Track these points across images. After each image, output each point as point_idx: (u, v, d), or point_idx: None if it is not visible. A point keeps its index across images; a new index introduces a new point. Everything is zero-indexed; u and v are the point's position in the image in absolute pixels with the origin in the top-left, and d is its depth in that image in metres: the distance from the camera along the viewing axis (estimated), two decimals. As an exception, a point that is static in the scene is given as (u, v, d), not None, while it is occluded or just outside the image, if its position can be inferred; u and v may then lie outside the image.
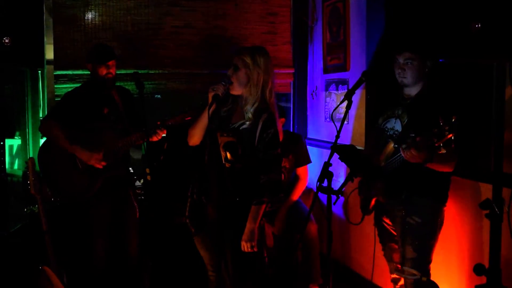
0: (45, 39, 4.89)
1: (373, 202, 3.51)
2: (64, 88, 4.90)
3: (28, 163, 3.73)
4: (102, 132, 4.03)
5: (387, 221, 3.52)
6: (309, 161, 4.96)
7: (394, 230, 3.49)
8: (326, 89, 5.20)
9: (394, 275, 3.59)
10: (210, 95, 3.28)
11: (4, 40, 3.90)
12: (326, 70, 5.19)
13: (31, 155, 5.10)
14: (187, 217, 3.54)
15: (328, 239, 3.14)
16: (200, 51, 5.27)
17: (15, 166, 5.34)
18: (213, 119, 3.37)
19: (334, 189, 3.08)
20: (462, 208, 3.54)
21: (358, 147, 4.31)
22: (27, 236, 4.41)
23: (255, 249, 3.25)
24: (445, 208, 3.37)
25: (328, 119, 5.20)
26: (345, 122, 3.27)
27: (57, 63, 4.89)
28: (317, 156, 5.27)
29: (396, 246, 3.48)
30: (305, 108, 5.67)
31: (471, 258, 3.51)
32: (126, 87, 4.49)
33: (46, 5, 4.83)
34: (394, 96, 3.54)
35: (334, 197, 3.07)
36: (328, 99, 5.18)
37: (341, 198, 4.70)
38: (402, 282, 3.52)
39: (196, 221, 3.52)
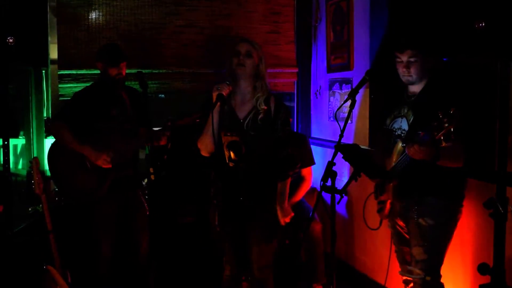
0: (49, 39, 4.90)
1: (388, 205, 3.49)
2: (68, 87, 4.91)
3: (32, 163, 3.73)
4: (110, 133, 4.02)
5: (400, 223, 3.50)
6: (312, 163, 4.96)
7: (407, 233, 3.46)
8: (330, 89, 5.19)
9: (406, 277, 3.56)
10: (215, 94, 3.28)
11: (8, 39, 3.90)
12: (329, 69, 5.19)
13: (35, 155, 5.11)
14: (217, 224, 3.47)
15: (331, 238, 3.14)
16: (204, 50, 5.28)
17: (19, 166, 5.35)
18: (220, 119, 3.38)
19: (338, 188, 3.08)
20: (466, 207, 3.53)
21: (362, 146, 4.30)
22: (31, 235, 4.42)
23: (289, 220, 3.59)
24: (461, 208, 3.34)
25: (331, 118, 5.20)
26: (349, 122, 3.27)
27: (61, 62, 4.90)
28: (320, 155, 5.27)
29: (408, 249, 3.46)
30: (309, 108, 5.67)
31: (475, 257, 3.51)
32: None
33: (50, 5, 4.85)
34: (399, 95, 3.53)
35: (337, 196, 3.07)
36: (331, 98, 5.18)
37: (345, 197, 4.70)
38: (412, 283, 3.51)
39: (222, 224, 3.48)
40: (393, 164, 3.34)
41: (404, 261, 3.58)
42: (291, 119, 3.61)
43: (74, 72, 4.92)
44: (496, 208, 2.73)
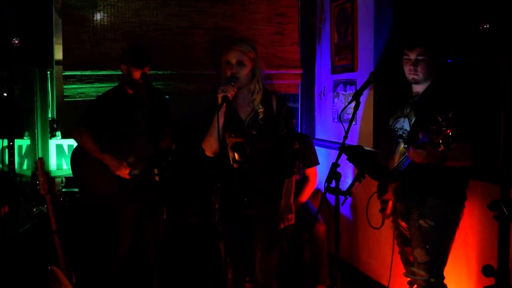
0: (54, 40, 4.92)
1: (390, 205, 3.49)
2: (73, 88, 4.92)
3: (37, 164, 3.74)
4: (134, 138, 4.00)
5: (403, 224, 3.50)
6: (317, 163, 4.96)
7: (409, 234, 3.46)
8: (334, 90, 5.20)
9: (410, 278, 3.56)
10: (220, 96, 3.26)
11: (14, 41, 3.92)
12: (334, 71, 5.19)
13: (40, 155, 5.12)
14: (217, 223, 3.48)
15: (336, 239, 3.14)
16: (208, 52, 5.28)
17: (24, 166, 5.36)
18: (225, 120, 3.37)
19: (342, 189, 3.08)
20: (471, 209, 3.53)
21: (366, 148, 4.30)
22: (36, 236, 4.44)
23: (292, 221, 3.50)
24: (463, 209, 3.33)
25: (336, 120, 5.20)
26: (353, 123, 3.27)
27: (66, 63, 4.91)
28: (325, 156, 5.27)
29: (411, 250, 3.46)
30: (313, 109, 5.67)
31: (479, 259, 3.50)
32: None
33: (55, 6, 4.87)
34: (403, 96, 3.53)
35: (342, 198, 3.07)
36: (336, 99, 5.18)
37: (350, 199, 4.70)
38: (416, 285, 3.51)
39: (225, 225, 3.46)
40: (395, 164, 3.34)
41: (408, 262, 3.58)
42: (294, 120, 3.58)
43: (79, 73, 4.93)
44: (501, 210, 2.73)
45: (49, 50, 4.66)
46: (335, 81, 5.17)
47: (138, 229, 4.16)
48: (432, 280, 3.27)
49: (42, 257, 4.03)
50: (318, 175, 4.97)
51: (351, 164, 3.60)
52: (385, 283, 4.25)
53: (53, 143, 5.31)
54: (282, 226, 3.48)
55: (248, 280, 3.90)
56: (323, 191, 3.14)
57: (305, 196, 4.83)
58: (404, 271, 3.63)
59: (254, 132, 3.37)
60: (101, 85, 4.97)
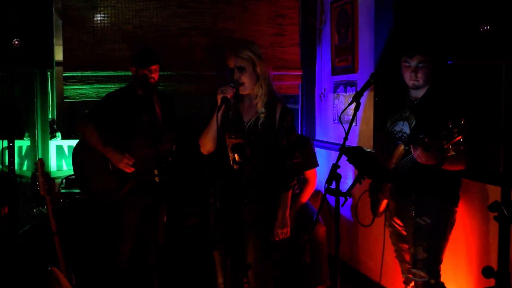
0: (54, 41, 4.90)
1: (383, 204, 3.51)
2: (73, 89, 4.92)
3: (37, 164, 3.74)
4: (136, 137, 4.03)
5: (398, 222, 3.53)
6: (316, 165, 4.95)
7: (405, 231, 3.49)
8: (334, 91, 5.20)
9: (405, 276, 3.59)
10: (219, 97, 3.25)
11: (14, 41, 3.92)
12: (334, 72, 5.19)
13: (40, 156, 5.12)
14: (212, 227, 3.45)
15: (336, 241, 3.14)
16: (208, 53, 5.29)
17: (24, 167, 5.36)
18: (225, 122, 3.37)
19: (342, 191, 3.08)
20: (471, 210, 3.53)
21: (366, 149, 4.30)
22: (36, 237, 4.44)
23: (288, 235, 3.45)
24: (456, 209, 3.36)
25: (336, 121, 5.20)
26: (353, 124, 3.27)
27: (66, 64, 4.92)
28: (325, 158, 5.27)
29: (407, 247, 3.48)
30: (313, 110, 5.67)
31: (479, 260, 3.50)
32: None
33: (55, 7, 4.86)
34: (401, 99, 3.54)
35: (342, 199, 3.07)
36: (336, 101, 5.18)
37: (350, 200, 4.70)
38: (413, 283, 3.52)
39: (220, 231, 3.43)
40: (393, 166, 3.35)
41: (403, 260, 3.60)
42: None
43: (79, 74, 4.94)
44: (501, 211, 2.73)
45: (49, 51, 4.64)
46: (336, 82, 5.17)
47: (139, 231, 4.17)
48: (432, 281, 3.28)
49: (42, 258, 4.03)
50: (319, 176, 4.97)
51: (351, 165, 3.60)
52: (386, 284, 4.25)
53: (53, 144, 5.31)
54: (277, 239, 3.45)
55: (246, 281, 3.89)
56: (324, 193, 3.14)
57: (305, 198, 4.83)
58: (401, 270, 3.64)
59: (252, 137, 3.36)
60: (102, 86, 4.98)
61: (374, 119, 4.53)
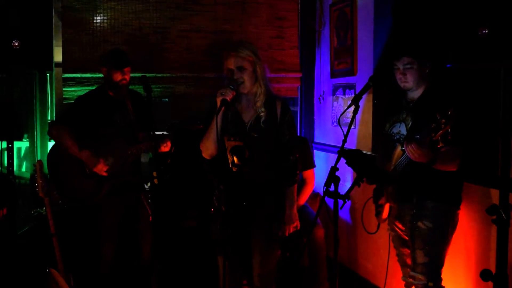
0: (54, 42, 4.91)
1: (386, 209, 3.51)
2: (72, 91, 4.92)
3: (36, 166, 3.75)
4: (112, 139, 4.04)
5: (399, 225, 3.52)
6: (313, 166, 4.96)
7: (406, 235, 3.49)
8: (333, 94, 5.20)
9: (407, 280, 3.58)
10: (218, 99, 3.26)
11: (14, 43, 3.92)
12: (333, 75, 5.20)
13: (39, 158, 5.12)
14: (218, 231, 3.41)
15: (334, 243, 3.14)
16: (207, 55, 5.29)
17: (23, 169, 5.36)
18: (224, 123, 3.37)
19: (341, 193, 3.08)
20: (469, 213, 3.53)
21: (365, 152, 4.31)
22: (35, 238, 4.43)
23: (298, 227, 3.52)
24: (458, 211, 3.36)
25: (335, 124, 5.20)
26: (352, 127, 3.28)
27: (66, 66, 4.92)
28: (324, 160, 5.27)
29: (409, 251, 3.48)
30: (312, 113, 5.68)
31: (477, 263, 3.50)
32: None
33: (55, 8, 4.86)
34: (399, 101, 3.55)
35: (341, 201, 3.07)
36: (335, 103, 5.18)
37: (348, 202, 4.70)
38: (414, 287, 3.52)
39: (226, 235, 3.39)
40: (392, 168, 3.36)
41: (405, 264, 3.60)
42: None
43: (78, 75, 4.94)
44: (499, 214, 2.73)
45: (48, 52, 4.65)
46: (335, 85, 5.18)
47: (126, 231, 4.17)
48: (431, 284, 3.28)
49: (41, 260, 4.03)
50: (317, 178, 4.97)
51: (350, 168, 3.61)
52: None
53: (52, 145, 5.30)
54: (286, 234, 3.50)
55: (246, 284, 3.89)
56: (322, 195, 3.15)
57: (303, 199, 4.83)
58: (402, 275, 3.64)
59: (255, 135, 3.37)
60: (101, 87, 4.97)
61: (373, 121, 4.54)
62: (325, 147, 5.38)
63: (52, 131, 4.11)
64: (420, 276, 3.32)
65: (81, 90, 4.81)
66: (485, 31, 2.72)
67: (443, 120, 2.75)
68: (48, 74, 5.25)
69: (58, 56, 4.95)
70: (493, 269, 2.81)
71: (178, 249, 5.01)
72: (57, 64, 4.99)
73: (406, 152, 3.09)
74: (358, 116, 4.68)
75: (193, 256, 4.99)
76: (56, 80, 5.11)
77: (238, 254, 3.49)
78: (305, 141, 5.12)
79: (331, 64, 5.22)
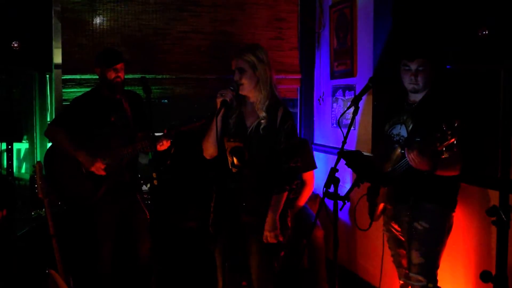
0: (53, 43, 4.91)
1: (380, 208, 3.51)
2: (72, 92, 4.92)
3: (36, 167, 3.74)
4: (109, 139, 4.04)
5: (395, 226, 3.53)
6: (314, 167, 4.96)
7: (402, 236, 3.49)
8: (333, 95, 5.20)
9: (403, 282, 3.59)
10: (218, 100, 3.26)
11: (13, 44, 3.92)
12: (333, 76, 5.20)
13: (38, 159, 5.12)
14: (211, 226, 3.47)
15: (334, 245, 3.14)
16: (207, 56, 5.29)
17: (23, 170, 5.36)
18: (227, 125, 3.37)
19: (341, 195, 3.08)
20: (469, 215, 3.54)
21: (365, 153, 4.31)
22: (34, 239, 4.42)
23: (280, 239, 3.34)
24: (453, 214, 3.37)
25: (334, 125, 5.20)
26: (352, 128, 3.27)
27: (65, 67, 4.92)
28: (323, 161, 5.27)
29: (405, 252, 3.49)
30: (312, 114, 5.68)
31: (477, 265, 3.50)
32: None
33: (54, 10, 4.86)
34: (400, 102, 3.55)
35: (340, 203, 3.07)
36: (335, 104, 5.18)
37: (348, 204, 4.70)
38: None
39: (219, 230, 3.44)
40: (390, 169, 3.36)
41: (400, 265, 3.60)
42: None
43: (78, 77, 4.94)
44: (499, 215, 2.73)
45: (48, 54, 4.66)
46: (334, 86, 5.18)
47: (125, 232, 4.17)
48: (430, 285, 3.28)
49: (40, 261, 4.02)
50: (317, 180, 4.97)
51: (349, 169, 3.61)
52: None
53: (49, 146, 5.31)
54: (265, 241, 3.33)
55: (245, 285, 3.89)
56: (322, 196, 3.14)
57: (302, 200, 4.83)
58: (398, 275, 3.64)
59: (254, 141, 3.35)
60: (100, 88, 4.97)
61: (373, 123, 4.54)
62: (324, 148, 5.38)
63: (49, 132, 4.11)
64: (419, 277, 3.32)
65: (81, 92, 4.79)
66: (485, 32, 2.72)
67: (449, 132, 2.74)
68: (47, 75, 5.25)
69: (57, 58, 4.95)
70: (493, 270, 2.81)
71: (178, 250, 5.00)
72: (57, 66, 4.99)
73: (410, 162, 3.09)
74: (358, 117, 4.68)
75: (193, 257, 4.99)
76: (55, 82, 5.11)
77: (235, 255, 3.48)
78: (305, 142, 5.12)
79: (330, 65, 5.22)
